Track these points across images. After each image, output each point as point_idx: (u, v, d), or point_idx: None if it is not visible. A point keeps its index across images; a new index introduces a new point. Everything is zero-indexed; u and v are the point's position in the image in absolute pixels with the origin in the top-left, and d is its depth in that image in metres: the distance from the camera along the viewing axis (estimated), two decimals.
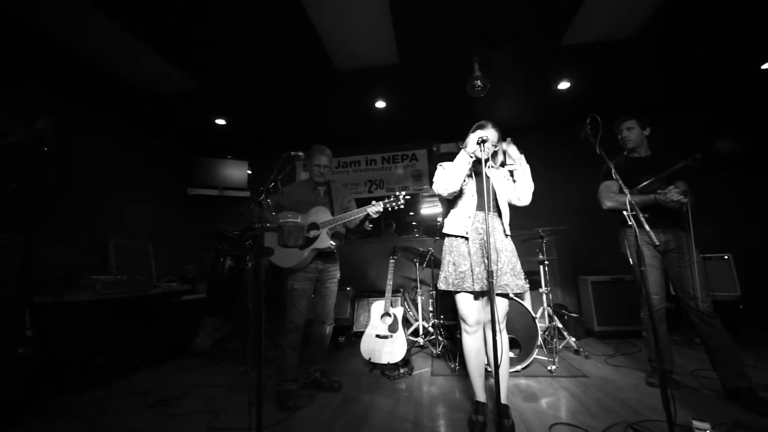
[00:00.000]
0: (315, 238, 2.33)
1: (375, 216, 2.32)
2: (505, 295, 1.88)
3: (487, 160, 1.78)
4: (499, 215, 1.94)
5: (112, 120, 3.82)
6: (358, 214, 2.33)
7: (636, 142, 2.41)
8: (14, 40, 2.57)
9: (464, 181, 1.93)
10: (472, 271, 1.84)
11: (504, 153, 2.01)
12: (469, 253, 1.87)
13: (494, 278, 1.52)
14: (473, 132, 1.92)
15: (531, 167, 1.99)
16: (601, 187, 2.48)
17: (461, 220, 1.93)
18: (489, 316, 1.84)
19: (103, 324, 2.82)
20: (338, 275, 2.57)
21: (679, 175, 2.18)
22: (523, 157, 1.98)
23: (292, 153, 2.00)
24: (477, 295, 1.88)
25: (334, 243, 2.37)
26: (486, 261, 1.81)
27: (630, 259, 2.22)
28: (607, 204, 2.42)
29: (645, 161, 2.39)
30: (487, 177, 1.76)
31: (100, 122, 3.71)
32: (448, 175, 1.89)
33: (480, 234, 1.88)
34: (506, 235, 1.91)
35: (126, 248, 3.60)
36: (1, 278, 2.68)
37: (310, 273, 2.38)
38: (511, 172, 1.99)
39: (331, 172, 2.55)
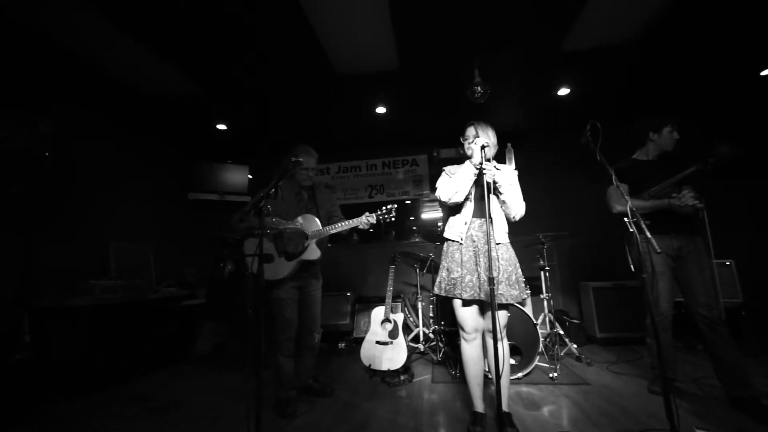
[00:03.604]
0: (304, 249, 2.29)
1: (366, 227, 2.28)
2: (504, 305, 1.84)
3: (485, 172, 1.74)
4: (491, 222, 1.91)
5: (112, 124, 3.84)
6: (349, 225, 2.29)
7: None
8: (17, 44, 2.58)
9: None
10: (462, 278, 1.82)
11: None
12: (461, 260, 1.85)
13: (490, 286, 1.49)
14: (468, 135, 1.93)
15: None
16: (610, 191, 2.40)
17: (458, 226, 1.92)
18: (488, 324, 1.82)
19: (103, 329, 2.81)
20: (321, 281, 2.53)
21: (686, 180, 2.15)
22: (515, 174, 1.96)
23: (293, 158, 2.01)
24: (468, 302, 1.85)
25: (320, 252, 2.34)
26: (479, 270, 1.81)
27: (633, 266, 2.20)
28: (617, 208, 2.33)
29: (652, 165, 2.34)
30: (488, 184, 1.74)
31: (100, 126, 3.72)
32: (454, 186, 1.85)
33: (474, 242, 1.86)
34: (497, 243, 1.83)
35: (126, 252, 3.59)
36: (2, 283, 2.68)
37: (294, 281, 2.33)
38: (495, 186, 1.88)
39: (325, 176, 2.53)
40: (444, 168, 2.04)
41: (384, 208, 2.25)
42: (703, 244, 2.23)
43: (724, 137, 3.97)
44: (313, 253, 2.30)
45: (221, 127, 4.14)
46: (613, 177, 1.72)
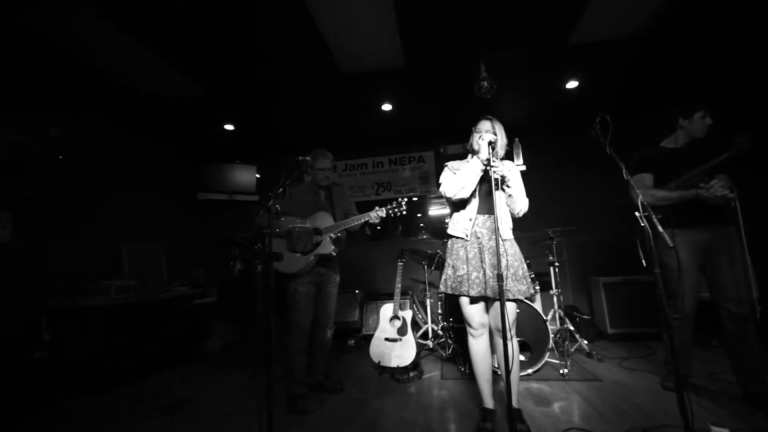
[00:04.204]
0: (318, 244, 2.34)
1: (377, 221, 2.33)
2: (510, 300, 1.81)
3: (494, 169, 1.72)
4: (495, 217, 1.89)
5: (123, 127, 3.89)
6: (360, 219, 2.35)
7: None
8: (27, 50, 2.62)
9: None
10: (468, 275, 1.81)
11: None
12: (467, 257, 1.84)
13: (499, 282, 1.48)
14: (480, 128, 1.90)
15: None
16: (632, 181, 2.35)
17: (463, 222, 1.91)
18: (495, 321, 1.82)
19: (115, 328, 2.86)
20: (338, 279, 2.58)
21: (719, 168, 2.00)
22: (517, 169, 1.93)
23: (300, 158, 2.02)
24: (475, 299, 1.85)
25: (335, 248, 2.37)
26: (484, 266, 1.80)
27: (644, 261, 2.14)
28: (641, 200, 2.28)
29: (681, 153, 2.20)
30: (495, 180, 1.71)
31: (111, 130, 3.78)
32: (460, 182, 1.84)
33: (479, 238, 1.84)
34: (503, 239, 1.81)
35: (138, 253, 3.65)
36: (17, 284, 2.75)
37: (312, 277, 2.38)
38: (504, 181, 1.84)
39: (333, 174, 2.57)
40: (446, 164, 2.04)
41: (395, 201, 2.32)
42: (736, 236, 2.07)
43: (742, 129, 3.87)
44: (326, 247, 2.33)
45: (229, 127, 4.17)
46: (624, 171, 1.69)
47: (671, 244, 1.46)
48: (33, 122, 3.01)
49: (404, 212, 2.31)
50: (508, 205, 1.90)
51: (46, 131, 3.00)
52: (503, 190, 1.83)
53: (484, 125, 1.91)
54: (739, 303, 2.00)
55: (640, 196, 1.55)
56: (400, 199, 2.31)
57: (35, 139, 2.95)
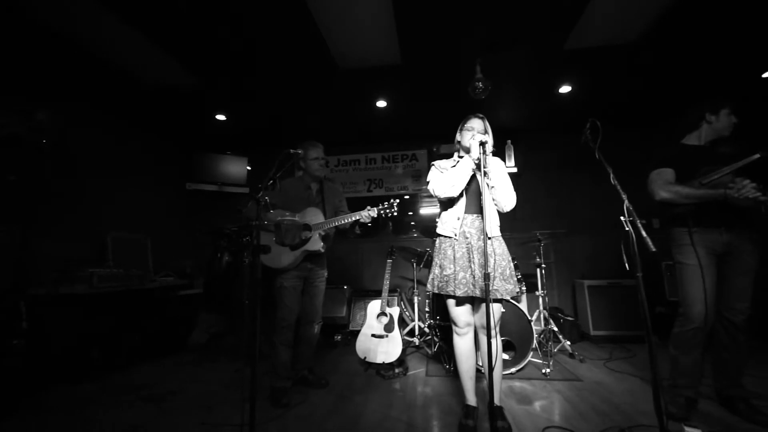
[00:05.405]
0: (306, 240, 2.33)
1: (367, 221, 2.31)
2: (497, 300, 1.85)
3: (485, 171, 1.72)
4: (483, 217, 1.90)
5: (111, 114, 3.81)
6: (350, 218, 2.32)
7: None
8: (17, 34, 2.55)
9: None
10: (455, 275, 1.82)
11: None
12: (454, 257, 1.85)
13: (485, 282, 1.50)
14: (471, 126, 1.91)
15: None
16: (653, 175, 2.13)
17: (451, 221, 1.92)
18: (482, 320, 1.83)
19: (99, 317, 2.82)
20: (326, 274, 2.58)
21: (743, 170, 1.86)
22: (503, 165, 1.94)
23: (291, 150, 2.01)
24: (461, 299, 1.86)
25: (324, 245, 2.37)
26: (471, 266, 1.81)
27: (678, 260, 1.99)
28: (662, 195, 2.05)
29: (705, 151, 2.08)
30: (484, 173, 1.71)
31: (99, 116, 3.70)
32: (450, 180, 1.85)
33: (467, 238, 1.85)
34: (489, 237, 1.79)
35: (124, 242, 3.59)
36: None
37: (299, 272, 2.38)
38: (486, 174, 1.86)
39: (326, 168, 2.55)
40: (433, 162, 2.05)
41: (386, 202, 2.29)
42: (758, 243, 1.97)
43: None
44: (315, 243, 2.32)
45: (220, 117, 4.11)
46: (611, 176, 1.70)
47: (653, 249, 1.48)
48: (18, 106, 2.93)
49: (395, 213, 2.28)
50: (495, 201, 1.89)
51: (32, 116, 2.92)
52: (487, 184, 1.85)
53: (477, 124, 1.91)
54: (738, 312, 1.95)
55: (626, 201, 1.55)
56: (392, 200, 2.29)
57: (21, 123, 2.87)
